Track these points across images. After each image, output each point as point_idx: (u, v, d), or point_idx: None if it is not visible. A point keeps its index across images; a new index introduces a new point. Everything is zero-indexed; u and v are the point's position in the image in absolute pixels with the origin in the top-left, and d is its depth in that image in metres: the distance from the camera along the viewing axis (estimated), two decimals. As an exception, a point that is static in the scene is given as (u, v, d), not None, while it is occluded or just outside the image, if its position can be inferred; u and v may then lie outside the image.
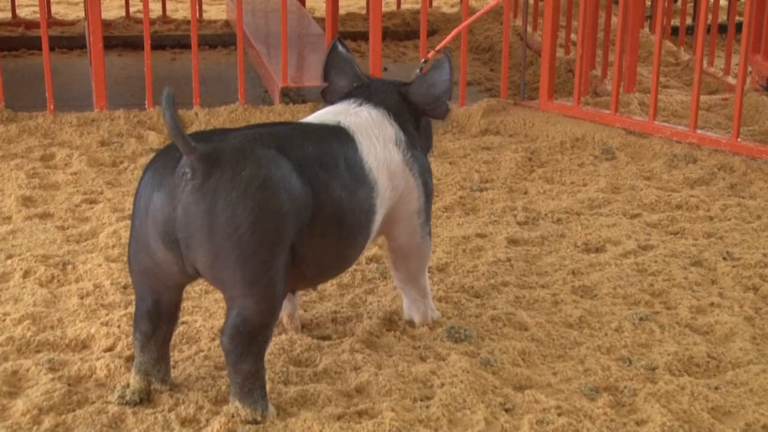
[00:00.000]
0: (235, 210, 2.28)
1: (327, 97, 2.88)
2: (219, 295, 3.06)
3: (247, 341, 2.36)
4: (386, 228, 2.76)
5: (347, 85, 2.85)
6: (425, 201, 2.81)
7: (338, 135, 2.61)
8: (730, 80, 5.59)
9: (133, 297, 2.99)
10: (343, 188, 2.50)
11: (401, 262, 2.87)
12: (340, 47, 2.86)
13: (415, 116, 2.84)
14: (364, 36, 6.31)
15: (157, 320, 2.47)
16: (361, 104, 2.76)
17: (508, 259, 3.39)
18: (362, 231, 2.59)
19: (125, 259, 3.30)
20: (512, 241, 3.57)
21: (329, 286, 3.13)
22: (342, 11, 7.41)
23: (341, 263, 2.64)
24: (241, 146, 2.35)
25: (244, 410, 2.40)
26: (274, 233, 2.33)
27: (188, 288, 2.77)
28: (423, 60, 3.08)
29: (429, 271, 3.08)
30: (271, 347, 2.74)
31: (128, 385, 2.52)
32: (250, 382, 2.39)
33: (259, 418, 2.40)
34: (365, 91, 2.81)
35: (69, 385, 2.55)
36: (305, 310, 2.97)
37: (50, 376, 2.58)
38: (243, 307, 2.35)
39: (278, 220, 2.33)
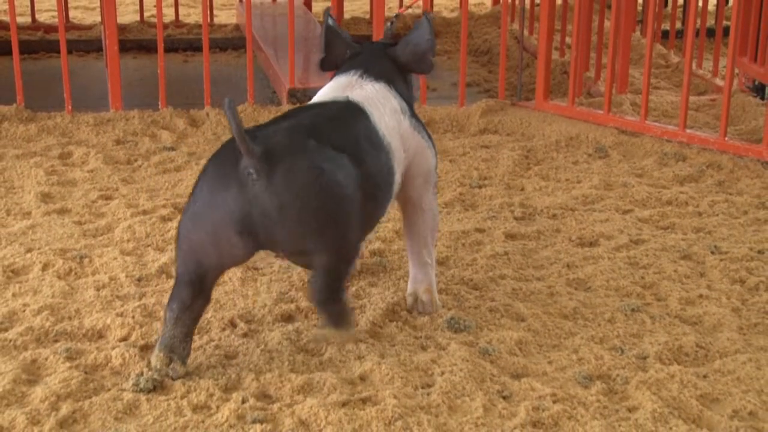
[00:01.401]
0: (303, 202, 2.45)
1: (324, 66, 3.08)
2: (228, 287, 3.11)
3: (333, 289, 2.55)
4: (403, 186, 2.91)
5: (341, 54, 3.05)
6: (435, 160, 3.00)
7: (352, 110, 2.77)
8: (718, 82, 5.58)
9: (146, 289, 3.06)
10: (369, 158, 2.66)
11: (418, 217, 2.99)
12: (330, 21, 3.05)
13: (404, 74, 3.04)
14: (368, 39, 6.35)
15: (199, 291, 2.54)
16: (362, 76, 2.93)
17: (506, 253, 3.41)
18: (387, 194, 2.76)
19: (139, 252, 3.36)
20: (510, 236, 3.59)
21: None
22: (347, 15, 7.40)
23: (371, 227, 2.80)
24: (289, 142, 2.50)
25: (339, 335, 2.72)
26: (343, 209, 2.52)
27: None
28: (394, 15, 3.28)
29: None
30: (278, 337, 2.78)
31: (142, 373, 2.54)
32: (340, 316, 2.61)
33: (350, 331, 2.71)
34: (361, 60, 3.00)
35: (86, 373, 2.59)
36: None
37: (68, 364, 2.61)
38: (329, 263, 2.54)
39: (344, 199, 2.52)
